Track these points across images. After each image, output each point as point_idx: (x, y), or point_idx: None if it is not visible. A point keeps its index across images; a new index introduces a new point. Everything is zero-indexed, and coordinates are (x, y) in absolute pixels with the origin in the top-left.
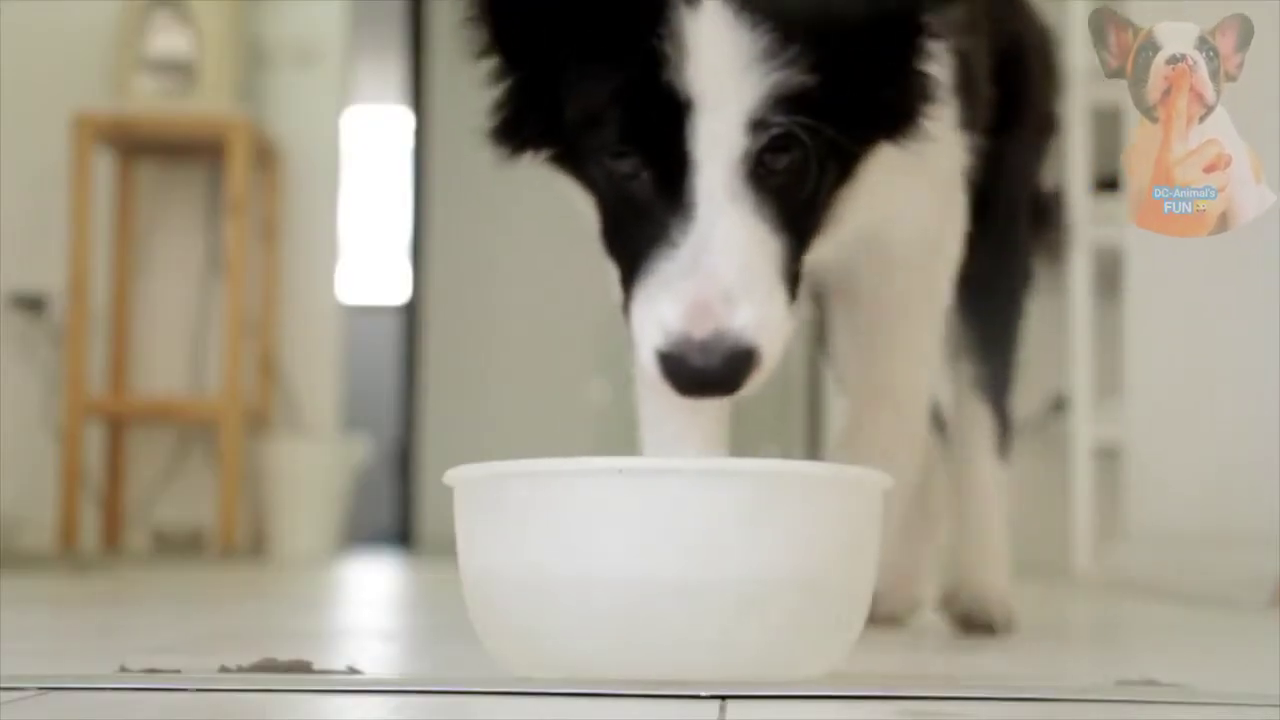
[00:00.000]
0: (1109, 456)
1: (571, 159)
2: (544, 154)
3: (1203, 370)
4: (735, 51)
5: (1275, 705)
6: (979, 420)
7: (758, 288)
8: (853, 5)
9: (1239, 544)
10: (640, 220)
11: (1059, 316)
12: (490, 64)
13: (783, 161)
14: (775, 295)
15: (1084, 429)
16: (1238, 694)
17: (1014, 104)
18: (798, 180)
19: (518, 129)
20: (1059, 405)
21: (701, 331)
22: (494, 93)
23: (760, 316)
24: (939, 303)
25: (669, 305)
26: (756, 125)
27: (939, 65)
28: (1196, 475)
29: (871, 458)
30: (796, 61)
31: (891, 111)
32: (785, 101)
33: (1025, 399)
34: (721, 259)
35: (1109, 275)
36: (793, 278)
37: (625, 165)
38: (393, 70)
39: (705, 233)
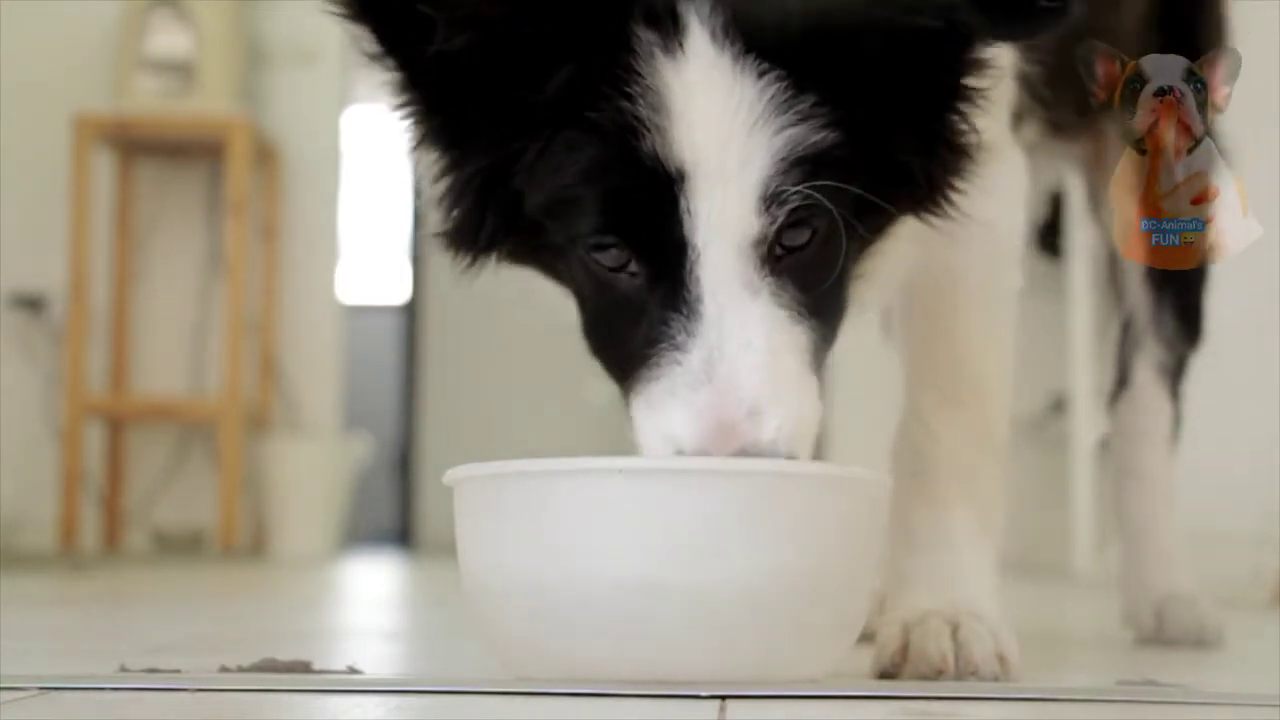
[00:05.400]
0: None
1: (536, 253)
2: (506, 252)
3: (1202, 370)
4: (736, 107)
5: (1275, 705)
6: (1158, 409)
7: (785, 391)
8: (882, 43)
9: (1238, 544)
10: (634, 319)
11: (1059, 316)
12: (434, 154)
13: (802, 237)
14: (805, 393)
15: (1084, 429)
16: (1238, 694)
17: None
18: (821, 257)
19: (477, 227)
20: (1059, 405)
21: (725, 451)
22: (442, 187)
23: (792, 423)
24: (1008, 281)
25: (683, 422)
26: (771, 199)
27: (990, 114)
28: (1196, 475)
29: (951, 472)
30: (813, 115)
31: (915, 182)
32: (801, 165)
33: (1025, 399)
34: (740, 365)
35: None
36: (821, 364)
37: (609, 257)
38: None
39: (716, 334)
